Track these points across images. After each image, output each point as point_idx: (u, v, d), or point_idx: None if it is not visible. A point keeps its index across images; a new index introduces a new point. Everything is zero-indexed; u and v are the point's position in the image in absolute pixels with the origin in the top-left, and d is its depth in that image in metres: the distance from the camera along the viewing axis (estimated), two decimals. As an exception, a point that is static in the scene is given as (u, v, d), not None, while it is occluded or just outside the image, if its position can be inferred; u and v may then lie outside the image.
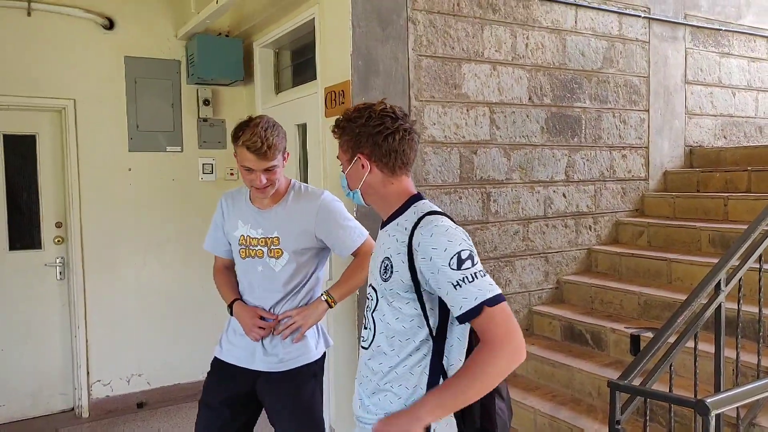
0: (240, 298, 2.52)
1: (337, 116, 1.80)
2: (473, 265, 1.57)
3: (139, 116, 4.66)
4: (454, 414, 1.68)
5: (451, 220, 1.71)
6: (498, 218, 3.97)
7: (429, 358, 1.69)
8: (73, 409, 4.63)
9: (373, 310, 1.78)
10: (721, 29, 5.10)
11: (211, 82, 4.79)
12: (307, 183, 4.02)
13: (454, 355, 1.70)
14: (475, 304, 1.53)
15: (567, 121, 4.26)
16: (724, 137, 5.21)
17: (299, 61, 4.56)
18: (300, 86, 4.32)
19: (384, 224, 1.81)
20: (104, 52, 4.51)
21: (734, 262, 2.69)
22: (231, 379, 2.49)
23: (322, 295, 2.48)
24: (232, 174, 4.95)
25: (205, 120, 4.86)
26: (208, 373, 2.56)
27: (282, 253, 2.41)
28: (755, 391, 2.23)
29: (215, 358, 2.56)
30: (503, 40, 3.96)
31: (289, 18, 4.09)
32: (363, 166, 1.75)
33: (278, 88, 4.76)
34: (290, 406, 2.43)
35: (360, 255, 2.47)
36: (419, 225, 1.65)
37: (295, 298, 2.46)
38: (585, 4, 4.30)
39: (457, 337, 1.70)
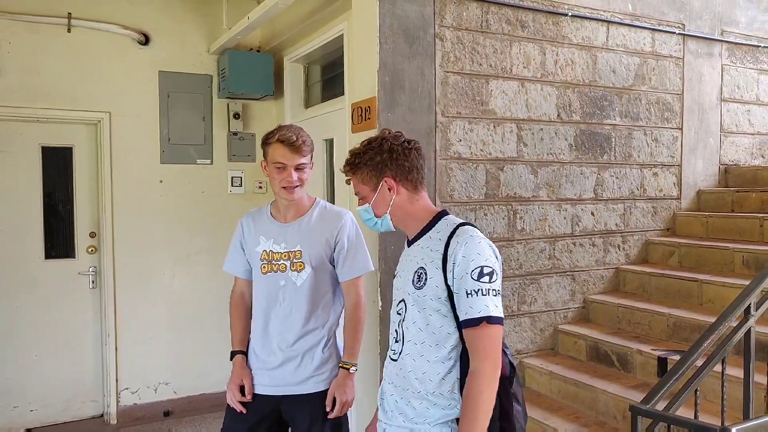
0: (244, 352, 2.53)
1: (348, 156, 1.91)
2: (491, 281, 1.70)
3: (171, 129, 4.77)
4: None
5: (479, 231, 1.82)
6: (524, 236, 3.93)
7: (459, 364, 1.77)
8: (102, 415, 4.72)
9: (402, 321, 1.85)
10: (760, 45, 4.98)
11: (241, 97, 4.88)
12: (334, 198, 4.07)
13: None
14: (477, 315, 1.68)
15: (596, 138, 4.21)
16: (762, 156, 5.07)
17: (328, 76, 4.61)
18: (329, 101, 4.36)
19: (411, 242, 1.90)
20: (139, 67, 4.64)
21: (766, 284, 2.61)
22: (253, 404, 2.48)
23: (341, 367, 2.47)
24: (260, 187, 5.01)
25: (235, 134, 4.94)
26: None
27: (304, 266, 2.43)
28: (784, 420, 2.15)
29: None
30: (532, 57, 3.94)
31: (319, 33, 4.15)
32: (390, 188, 1.84)
33: (307, 103, 4.82)
34: (318, 427, 2.44)
35: (353, 299, 2.50)
36: (455, 234, 1.77)
37: (317, 316, 2.46)
38: (617, 20, 4.26)
39: None
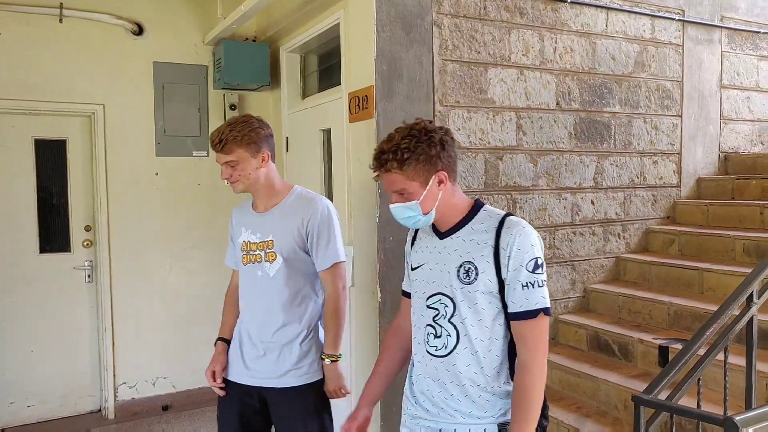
0: (225, 340, 2.56)
1: (386, 149, 1.75)
2: (542, 273, 1.73)
3: (167, 121, 4.72)
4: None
5: None
6: (524, 225, 3.89)
7: (508, 353, 1.80)
8: (100, 410, 4.69)
9: (451, 317, 1.80)
10: (759, 32, 4.94)
11: (237, 87, 4.82)
12: (331, 189, 4.03)
13: None
14: (535, 307, 1.71)
15: (596, 126, 4.17)
16: (762, 143, 5.04)
17: (325, 65, 4.56)
18: (326, 91, 4.31)
19: (445, 234, 1.84)
20: (133, 58, 4.58)
21: (768, 273, 2.59)
22: (237, 394, 2.48)
23: (322, 358, 2.44)
24: (257, 179, 4.96)
25: (231, 125, 4.88)
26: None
27: (276, 256, 2.40)
28: (789, 409, 2.13)
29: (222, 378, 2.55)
30: (531, 45, 3.89)
31: (315, 22, 4.10)
32: (441, 182, 1.77)
33: (304, 93, 4.76)
34: (299, 421, 2.43)
35: (329, 289, 2.44)
36: (504, 226, 1.75)
37: (294, 309, 2.42)
38: (616, 6, 4.21)
39: None
